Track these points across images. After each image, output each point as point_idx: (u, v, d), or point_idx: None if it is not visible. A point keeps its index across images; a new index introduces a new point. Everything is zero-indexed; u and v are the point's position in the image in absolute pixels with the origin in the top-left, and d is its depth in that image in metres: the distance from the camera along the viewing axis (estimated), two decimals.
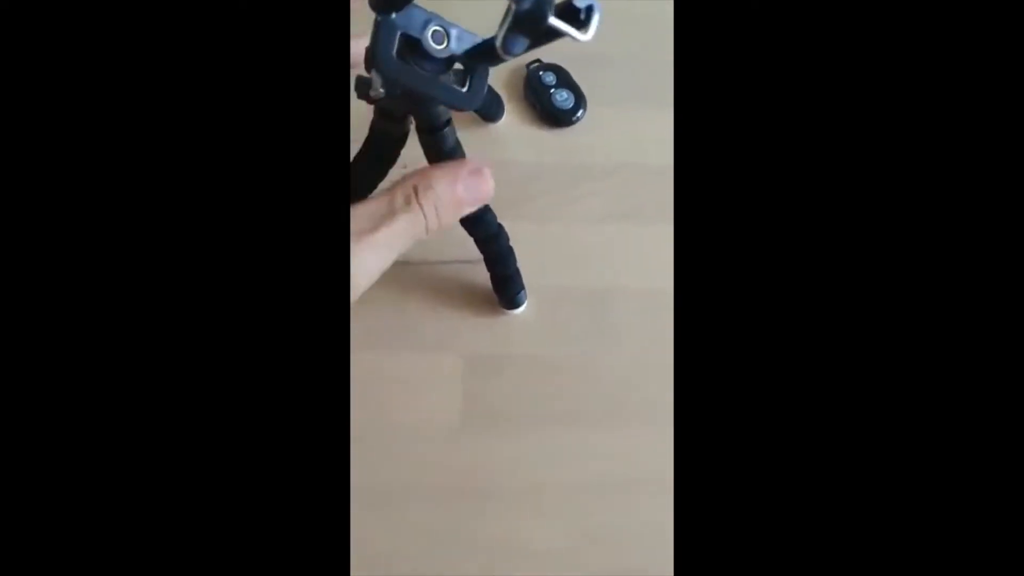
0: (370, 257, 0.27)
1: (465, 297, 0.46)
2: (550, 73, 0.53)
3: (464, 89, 0.29)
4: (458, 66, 0.29)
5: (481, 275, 0.44)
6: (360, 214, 0.28)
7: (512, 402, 0.43)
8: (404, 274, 0.46)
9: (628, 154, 0.51)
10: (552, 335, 0.45)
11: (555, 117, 0.52)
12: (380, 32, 0.27)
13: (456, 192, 0.29)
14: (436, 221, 0.29)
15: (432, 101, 0.31)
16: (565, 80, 0.53)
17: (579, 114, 0.52)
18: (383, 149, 0.36)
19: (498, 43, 0.24)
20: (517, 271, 0.44)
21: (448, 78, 0.29)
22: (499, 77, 0.54)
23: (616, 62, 0.54)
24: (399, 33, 0.27)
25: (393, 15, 0.27)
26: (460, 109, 0.30)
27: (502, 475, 0.42)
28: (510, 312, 0.45)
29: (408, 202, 0.28)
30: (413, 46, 0.28)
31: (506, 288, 0.44)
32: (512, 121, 0.53)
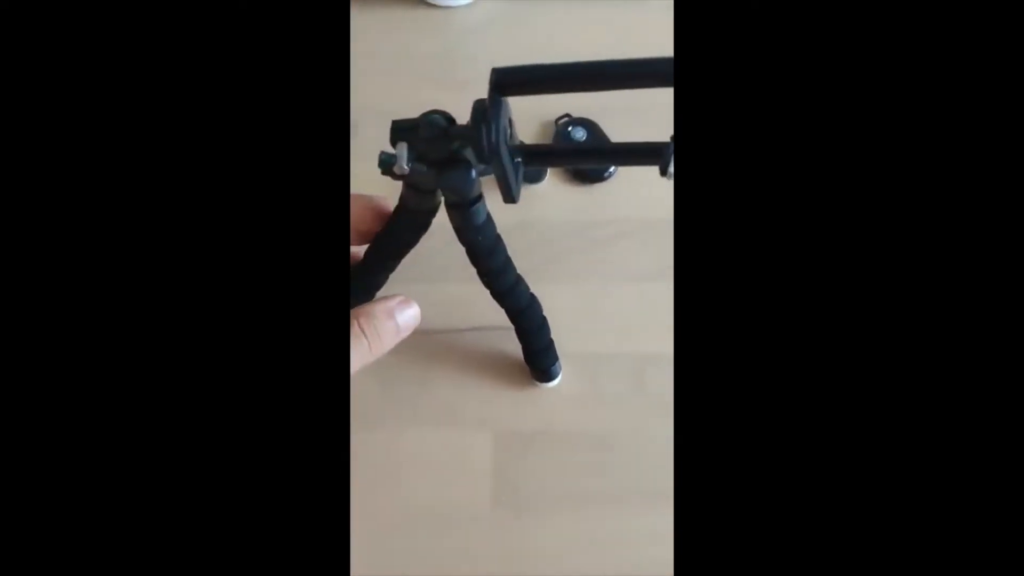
0: None
1: (494, 367, 0.43)
2: (580, 128, 0.50)
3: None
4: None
5: (511, 342, 0.41)
6: None
7: (548, 483, 0.40)
8: (428, 343, 0.43)
9: (665, 208, 0.48)
10: (591, 408, 0.42)
11: (586, 173, 0.49)
12: (495, 111, 0.28)
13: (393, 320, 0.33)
14: (379, 344, 0.33)
15: (505, 180, 0.31)
16: (595, 134, 0.50)
17: (611, 169, 0.49)
18: (413, 222, 0.35)
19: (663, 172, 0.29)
20: (551, 342, 0.41)
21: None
22: (529, 132, 0.51)
23: (645, 113, 0.52)
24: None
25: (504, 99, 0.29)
26: (512, 199, 0.32)
27: (539, 566, 0.37)
28: (544, 385, 0.42)
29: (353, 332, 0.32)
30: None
31: (539, 361, 0.41)
32: (546, 179, 0.50)
